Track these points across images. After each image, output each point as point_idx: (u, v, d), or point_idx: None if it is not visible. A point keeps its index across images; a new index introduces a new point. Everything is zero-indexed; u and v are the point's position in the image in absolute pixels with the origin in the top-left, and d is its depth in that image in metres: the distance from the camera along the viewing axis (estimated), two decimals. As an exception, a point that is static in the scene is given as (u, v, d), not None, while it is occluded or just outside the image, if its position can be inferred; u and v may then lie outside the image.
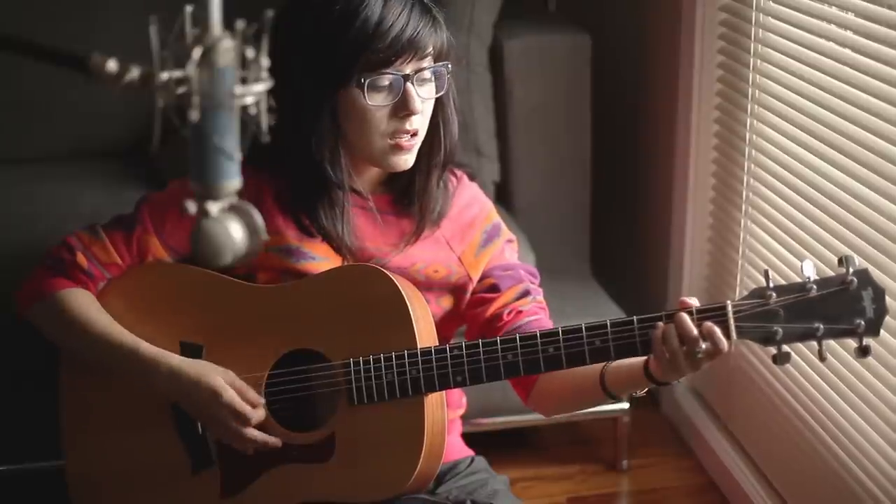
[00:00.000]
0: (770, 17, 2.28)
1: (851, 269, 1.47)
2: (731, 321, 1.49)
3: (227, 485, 1.71)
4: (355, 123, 1.65)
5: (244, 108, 0.93)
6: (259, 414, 1.64)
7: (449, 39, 1.68)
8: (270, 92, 0.94)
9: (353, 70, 1.62)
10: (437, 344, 1.67)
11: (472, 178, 1.86)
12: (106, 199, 2.26)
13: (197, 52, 0.90)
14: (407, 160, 1.68)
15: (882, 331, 1.48)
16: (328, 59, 1.63)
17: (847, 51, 2.03)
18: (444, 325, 1.77)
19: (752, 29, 2.33)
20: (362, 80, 1.62)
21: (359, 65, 1.61)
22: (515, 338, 1.60)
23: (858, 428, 2.06)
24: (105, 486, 1.77)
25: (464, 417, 1.92)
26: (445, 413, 1.67)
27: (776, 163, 2.30)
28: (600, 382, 1.64)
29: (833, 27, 2.09)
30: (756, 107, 2.36)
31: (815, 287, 1.47)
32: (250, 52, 0.92)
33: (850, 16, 2.02)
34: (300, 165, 1.68)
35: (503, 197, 2.71)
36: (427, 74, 1.65)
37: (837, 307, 1.47)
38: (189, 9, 0.91)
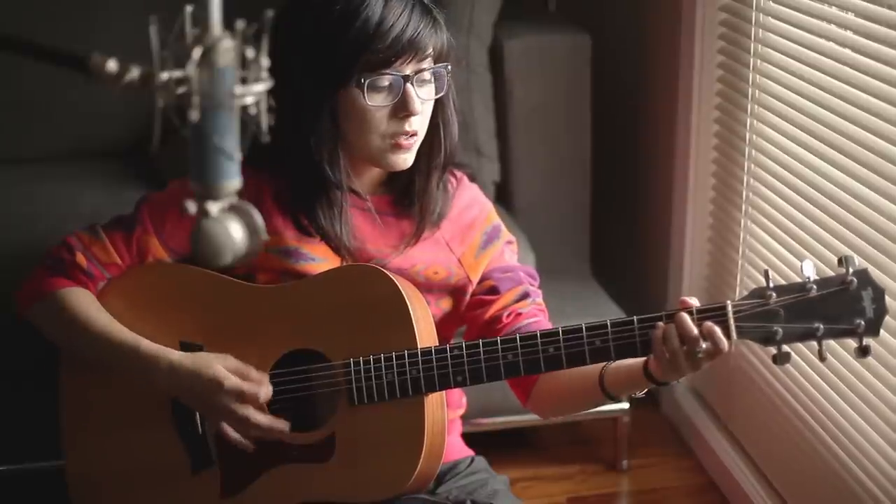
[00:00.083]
0: (770, 17, 2.28)
1: (851, 269, 1.47)
2: (732, 321, 1.49)
3: (227, 485, 1.71)
4: (355, 124, 1.65)
5: (244, 108, 0.93)
6: (266, 390, 1.62)
7: (449, 40, 1.68)
8: (270, 92, 0.94)
9: (353, 70, 1.62)
10: (438, 344, 1.67)
11: (472, 179, 1.86)
12: (106, 199, 2.26)
13: (197, 52, 0.90)
14: (406, 160, 1.68)
15: (882, 331, 1.49)
16: (328, 59, 1.63)
17: (847, 51, 2.03)
18: (444, 327, 1.77)
19: (752, 29, 2.33)
20: (362, 81, 1.62)
21: (359, 65, 1.61)
22: (516, 338, 1.60)
23: (858, 428, 2.06)
24: (105, 485, 1.77)
25: (464, 417, 1.92)
26: (445, 413, 1.67)
27: (776, 163, 2.30)
28: (600, 383, 1.63)
29: (833, 27, 2.09)
30: (756, 107, 2.36)
31: (815, 287, 1.47)
32: (250, 52, 0.92)
33: (850, 16, 2.02)
34: (299, 165, 1.68)
35: (503, 197, 2.71)
36: (427, 75, 1.65)
37: (837, 307, 1.47)
38: (189, 9, 0.91)
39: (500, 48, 2.65)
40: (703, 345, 1.48)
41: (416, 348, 1.63)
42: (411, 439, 1.63)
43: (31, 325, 1.75)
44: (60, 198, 2.37)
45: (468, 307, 1.78)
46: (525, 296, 1.76)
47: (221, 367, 1.62)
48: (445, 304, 1.78)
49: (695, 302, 1.52)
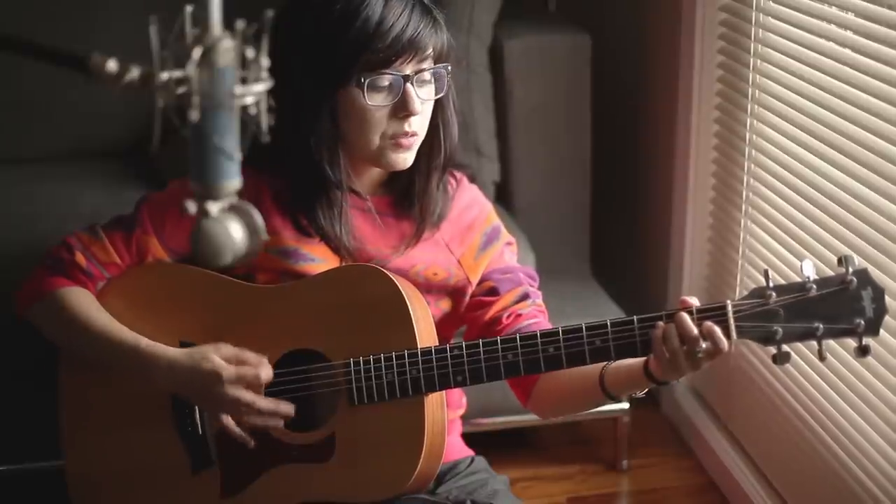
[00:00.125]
0: (770, 17, 2.28)
1: (851, 269, 1.47)
2: (731, 321, 1.49)
3: (226, 485, 1.71)
4: (355, 123, 1.65)
5: (244, 108, 0.93)
6: (266, 371, 1.61)
7: (449, 41, 1.68)
8: (270, 92, 0.94)
9: (353, 70, 1.62)
10: (437, 344, 1.67)
11: (472, 179, 1.86)
12: (106, 199, 2.26)
13: (197, 52, 0.90)
14: (406, 159, 1.68)
15: (882, 330, 1.49)
16: (328, 59, 1.63)
17: (847, 51, 2.03)
18: (444, 328, 1.77)
19: (752, 29, 2.34)
20: (362, 80, 1.62)
21: (359, 64, 1.61)
22: (516, 338, 1.60)
23: (858, 428, 2.06)
24: (105, 485, 1.77)
25: (464, 417, 1.92)
26: (445, 413, 1.67)
27: (776, 163, 2.30)
28: (600, 383, 1.64)
29: (833, 27, 2.09)
30: (756, 107, 2.36)
31: (814, 287, 1.47)
32: (250, 52, 0.92)
33: (850, 16, 2.02)
34: (299, 165, 1.68)
35: (503, 197, 2.71)
36: (427, 76, 1.65)
37: (837, 307, 1.47)
38: (189, 9, 0.91)
39: (500, 48, 2.65)
40: (703, 344, 1.49)
41: (416, 348, 1.63)
42: (411, 439, 1.63)
43: (31, 325, 1.75)
44: (60, 198, 2.37)
45: (468, 308, 1.78)
46: (525, 297, 1.76)
47: (218, 357, 1.61)
48: (445, 305, 1.78)
49: (695, 302, 1.52)
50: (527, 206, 2.72)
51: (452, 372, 1.62)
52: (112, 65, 0.92)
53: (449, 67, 1.68)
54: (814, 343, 1.49)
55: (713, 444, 2.59)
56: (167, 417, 1.72)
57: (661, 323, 1.52)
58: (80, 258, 1.72)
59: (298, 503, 1.69)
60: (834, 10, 2.08)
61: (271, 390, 1.67)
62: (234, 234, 0.94)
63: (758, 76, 2.34)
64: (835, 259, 1.51)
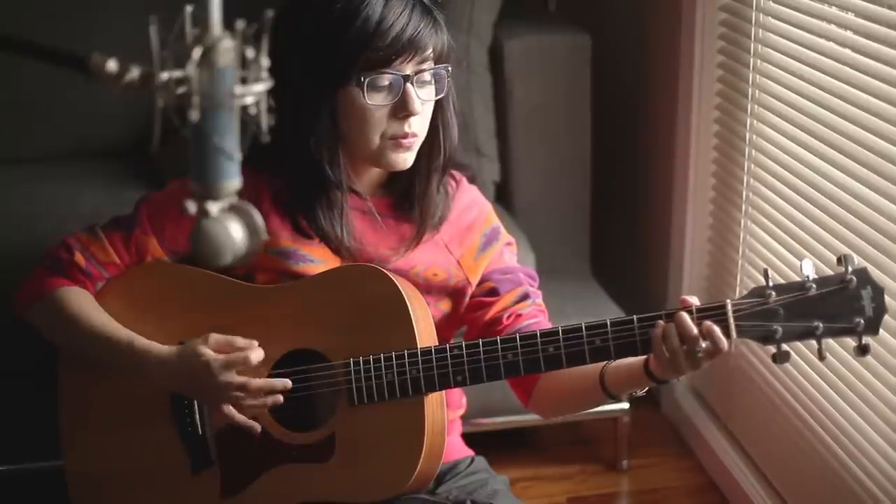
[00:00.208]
0: (770, 17, 2.28)
1: (850, 268, 1.47)
2: (731, 320, 1.49)
3: (226, 485, 1.71)
4: (355, 123, 1.65)
5: (244, 108, 0.93)
6: (256, 353, 1.61)
7: (450, 42, 1.68)
8: (270, 92, 0.94)
9: (352, 69, 1.62)
10: (437, 344, 1.67)
11: (471, 180, 1.86)
12: (106, 199, 2.26)
13: (197, 52, 0.90)
14: (406, 159, 1.68)
15: (881, 330, 1.49)
16: (328, 59, 1.63)
17: (847, 51, 2.03)
18: (444, 328, 1.77)
19: (752, 29, 2.34)
20: (362, 80, 1.62)
21: (359, 64, 1.62)
22: (515, 337, 1.60)
23: (858, 427, 2.06)
24: (104, 485, 1.77)
25: (464, 417, 1.92)
26: (445, 413, 1.67)
27: (776, 163, 2.30)
28: (600, 382, 1.64)
29: (833, 27, 2.09)
30: (756, 107, 2.36)
31: (814, 286, 1.47)
32: (250, 52, 0.92)
33: (850, 16, 2.02)
34: (299, 165, 1.68)
35: (503, 197, 2.71)
36: (427, 76, 1.65)
37: (837, 306, 1.47)
38: (189, 9, 0.91)
39: (500, 48, 2.65)
40: (703, 344, 1.49)
41: (416, 348, 1.63)
42: (411, 439, 1.63)
43: (31, 325, 1.75)
44: (60, 198, 2.37)
45: (468, 309, 1.78)
46: (525, 297, 1.76)
47: (206, 349, 1.61)
48: (445, 306, 1.78)
49: (695, 301, 1.52)
50: (527, 206, 2.72)
51: (452, 372, 1.62)
52: (112, 65, 0.92)
53: (449, 68, 1.68)
54: (813, 342, 1.49)
55: (713, 444, 2.59)
56: (167, 417, 1.72)
57: (660, 322, 1.52)
58: (79, 258, 1.72)
59: (298, 503, 1.69)
60: (834, 10, 2.08)
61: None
62: (234, 234, 0.94)
63: (758, 76, 2.34)
64: (835, 259, 1.51)
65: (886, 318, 1.49)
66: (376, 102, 1.63)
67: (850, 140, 2.02)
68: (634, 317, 1.55)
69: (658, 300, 2.79)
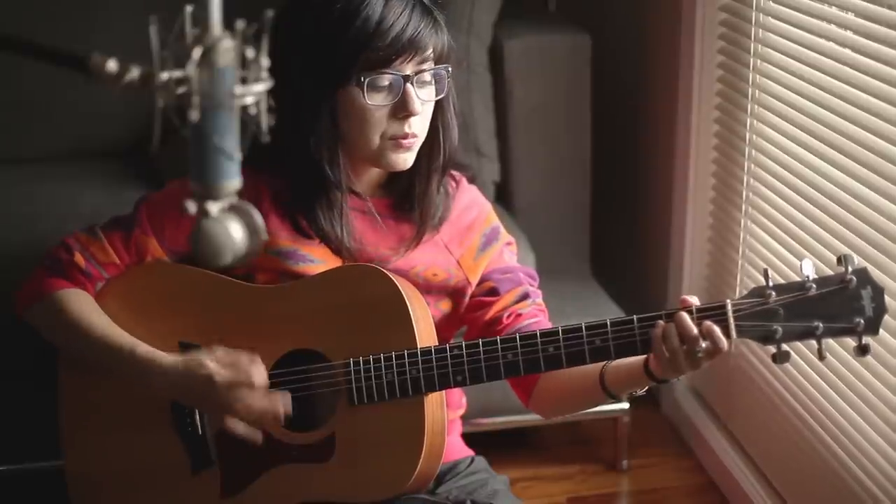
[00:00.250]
0: (770, 17, 2.28)
1: (850, 268, 1.47)
2: (731, 320, 1.49)
3: (226, 485, 1.71)
4: (355, 123, 1.65)
5: (244, 108, 0.93)
6: (259, 373, 1.60)
7: (450, 42, 1.68)
8: (270, 92, 0.94)
9: (352, 69, 1.62)
10: (437, 344, 1.67)
11: (471, 180, 1.86)
12: (106, 199, 2.26)
13: (197, 52, 0.90)
14: (406, 159, 1.68)
15: (881, 330, 1.49)
16: (328, 59, 1.63)
17: (847, 51, 2.03)
18: (444, 328, 1.77)
19: (752, 29, 2.34)
20: (362, 80, 1.62)
21: (358, 64, 1.61)
22: (515, 337, 1.60)
23: (858, 427, 2.06)
24: (104, 485, 1.77)
25: (464, 417, 1.92)
26: (445, 413, 1.67)
27: (776, 163, 2.30)
28: (600, 382, 1.64)
29: (833, 27, 2.09)
30: (756, 107, 2.36)
31: (814, 286, 1.47)
32: (250, 52, 0.92)
33: (850, 16, 2.02)
34: (299, 165, 1.68)
35: (503, 197, 2.71)
36: (427, 77, 1.65)
37: (837, 306, 1.47)
38: (189, 9, 0.91)
39: (500, 48, 2.65)
40: (703, 344, 1.49)
41: (416, 348, 1.63)
42: (411, 439, 1.63)
43: (31, 325, 1.75)
44: (60, 198, 2.37)
45: (468, 308, 1.78)
46: (525, 296, 1.76)
47: (211, 363, 1.61)
48: (445, 306, 1.78)
49: (695, 301, 1.52)
50: (527, 206, 2.72)
51: (452, 372, 1.62)
52: (112, 65, 0.92)
53: (449, 69, 1.68)
54: (813, 342, 1.49)
55: (713, 444, 2.59)
56: (167, 418, 1.72)
57: (660, 322, 1.52)
58: (78, 258, 1.72)
59: (298, 503, 1.69)
60: (834, 10, 2.08)
61: (272, 390, 1.67)
62: (234, 234, 0.94)
63: (758, 76, 2.34)
64: (834, 259, 1.51)
65: (886, 318, 1.49)
66: (376, 103, 1.63)
67: (850, 140, 2.02)
68: (634, 317, 1.55)
69: (658, 300, 2.79)
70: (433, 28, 1.64)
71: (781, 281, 1.51)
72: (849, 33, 2.03)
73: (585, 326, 1.57)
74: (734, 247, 2.49)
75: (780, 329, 1.48)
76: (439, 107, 1.70)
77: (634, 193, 2.98)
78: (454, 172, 1.81)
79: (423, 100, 1.65)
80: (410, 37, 1.62)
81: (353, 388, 1.64)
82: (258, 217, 0.95)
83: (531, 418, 2.43)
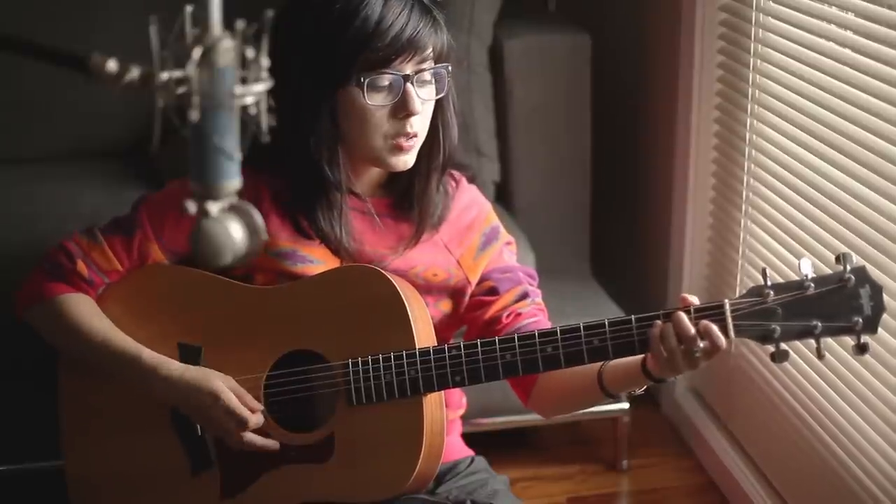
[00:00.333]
0: (770, 17, 2.28)
1: (849, 267, 1.47)
2: (729, 320, 1.49)
3: (226, 486, 1.71)
4: (355, 123, 1.65)
5: (244, 108, 0.93)
6: (257, 419, 1.64)
7: (449, 41, 1.68)
8: (270, 92, 0.94)
9: (352, 69, 1.62)
10: (436, 344, 1.67)
11: (471, 180, 1.86)
12: (106, 199, 2.26)
13: (197, 52, 0.90)
14: (406, 161, 1.68)
15: (880, 329, 1.49)
16: (328, 59, 1.63)
17: (847, 51, 2.03)
18: (444, 328, 1.77)
19: (752, 29, 2.34)
20: (362, 80, 1.62)
21: (358, 64, 1.61)
22: (514, 338, 1.60)
23: (857, 427, 2.06)
24: (104, 488, 1.77)
25: (464, 417, 1.92)
26: (444, 413, 1.67)
27: (776, 163, 2.30)
28: (598, 381, 1.64)
29: (833, 27, 2.09)
30: (756, 107, 2.36)
31: (812, 285, 1.47)
32: (250, 52, 0.92)
33: (850, 16, 2.02)
34: (299, 165, 1.68)
35: (503, 197, 2.71)
36: (427, 76, 1.65)
37: (835, 305, 1.47)
38: (189, 9, 0.91)
39: (500, 48, 2.65)
40: (701, 344, 1.49)
41: (415, 349, 1.63)
42: (410, 439, 1.63)
43: (30, 325, 1.75)
44: (60, 198, 2.37)
45: (468, 308, 1.78)
46: (524, 296, 1.76)
47: (221, 382, 1.63)
48: (445, 306, 1.78)
49: (694, 300, 1.52)
50: (527, 206, 2.72)
51: (451, 372, 1.62)
52: (112, 65, 0.92)
53: (449, 68, 1.68)
54: (812, 341, 1.49)
55: (713, 444, 2.59)
56: (166, 419, 1.72)
57: (658, 322, 1.52)
58: (81, 267, 1.71)
59: (298, 503, 1.69)
60: (834, 10, 2.08)
61: (271, 391, 1.68)
62: (234, 234, 0.94)
63: (758, 76, 2.34)
64: (834, 259, 1.51)
65: (885, 316, 1.49)
66: (376, 103, 1.63)
67: (850, 140, 2.02)
68: (632, 317, 1.55)
69: (658, 300, 2.79)
70: (432, 27, 1.64)
71: (780, 280, 1.51)
72: (849, 33, 2.03)
73: (584, 326, 1.57)
74: (734, 247, 2.49)
75: (778, 328, 1.48)
76: (439, 106, 1.70)
77: (634, 193, 2.98)
78: (454, 172, 1.81)
79: (423, 99, 1.65)
80: (410, 36, 1.62)
81: (351, 388, 1.64)
82: (258, 217, 0.95)
83: (531, 418, 2.43)
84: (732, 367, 2.51)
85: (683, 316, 1.50)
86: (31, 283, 1.73)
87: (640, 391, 1.65)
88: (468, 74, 2.57)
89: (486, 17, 2.60)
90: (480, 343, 1.61)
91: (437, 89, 1.67)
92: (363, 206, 1.74)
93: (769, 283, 1.49)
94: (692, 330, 1.49)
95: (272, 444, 1.66)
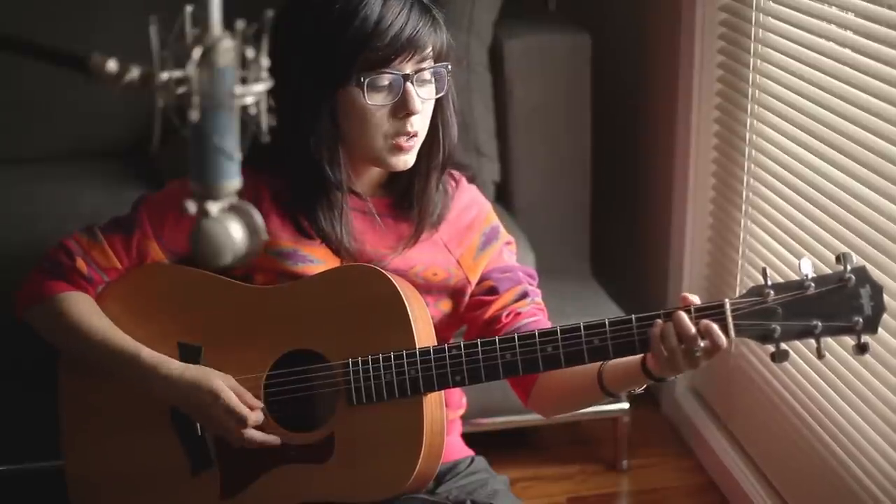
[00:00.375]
0: (770, 17, 2.28)
1: (849, 267, 1.47)
2: (730, 319, 1.49)
3: (226, 486, 1.71)
4: (355, 123, 1.65)
5: (244, 108, 0.93)
6: (257, 416, 1.64)
7: (449, 40, 1.68)
8: (270, 92, 0.94)
9: (352, 69, 1.62)
10: (436, 344, 1.67)
11: (471, 180, 1.86)
12: (106, 199, 2.26)
13: (197, 52, 0.90)
14: (406, 160, 1.68)
15: (880, 329, 1.49)
16: (327, 59, 1.63)
17: (847, 51, 2.03)
18: (443, 328, 1.77)
19: (752, 29, 2.34)
20: (361, 80, 1.62)
21: (358, 64, 1.62)
22: (514, 337, 1.60)
23: (857, 427, 2.06)
24: (104, 487, 1.77)
25: (464, 417, 1.92)
26: (444, 413, 1.67)
27: (776, 163, 2.30)
28: (598, 380, 1.64)
29: (833, 27, 2.09)
30: (756, 107, 2.36)
31: (812, 285, 1.47)
32: (250, 52, 0.92)
33: (850, 16, 2.02)
34: (299, 165, 1.68)
35: (503, 197, 2.71)
36: (427, 75, 1.65)
37: (835, 305, 1.47)
38: (189, 9, 0.91)
39: (500, 48, 2.65)
40: (701, 343, 1.49)
41: (415, 348, 1.63)
42: (410, 439, 1.63)
43: (30, 326, 1.75)
44: (60, 198, 2.37)
45: (467, 308, 1.78)
46: (524, 295, 1.76)
47: (221, 381, 1.63)
48: (445, 306, 1.78)
49: (695, 299, 1.52)
50: (527, 206, 2.72)
51: (451, 372, 1.62)
52: (112, 65, 0.92)
53: (449, 67, 1.68)
54: (812, 341, 1.49)
55: (713, 444, 2.59)
56: (166, 419, 1.72)
57: (659, 321, 1.52)
58: (80, 264, 1.71)
59: (298, 503, 1.69)
60: (834, 10, 2.08)
61: (271, 390, 1.68)
62: (234, 234, 0.94)
63: (758, 76, 2.34)
64: (834, 259, 1.51)
65: (885, 316, 1.49)
66: (376, 102, 1.63)
67: (850, 140, 2.02)
68: (633, 316, 1.55)
69: (658, 300, 2.79)
70: (432, 26, 1.65)
71: (780, 280, 1.51)
72: (849, 33, 2.03)
73: (584, 326, 1.57)
74: (734, 247, 2.49)
75: (778, 328, 1.48)
76: (438, 104, 1.70)
77: (634, 193, 2.98)
78: (454, 172, 1.81)
79: (423, 98, 1.65)
80: (409, 36, 1.62)
81: (351, 388, 1.64)
82: (258, 217, 0.96)
83: (531, 418, 2.44)
84: (732, 367, 2.51)
85: (684, 315, 1.50)
86: (31, 282, 1.73)
87: (640, 390, 1.65)
88: (468, 74, 2.57)
89: (486, 16, 2.60)
90: (481, 343, 1.61)
91: (436, 88, 1.67)
92: (364, 206, 1.74)
93: (769, 282, 1.49)
94: (693, 329, 1.49)
95: (273, 439, 1.66)
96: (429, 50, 1.65)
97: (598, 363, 1.62)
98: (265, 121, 0.94)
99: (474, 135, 2.60)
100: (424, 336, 1.66)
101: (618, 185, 3.02)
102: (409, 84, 1.63)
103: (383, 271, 1.66)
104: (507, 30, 2.67)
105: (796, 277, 1.50)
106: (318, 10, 1.64)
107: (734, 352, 2.46)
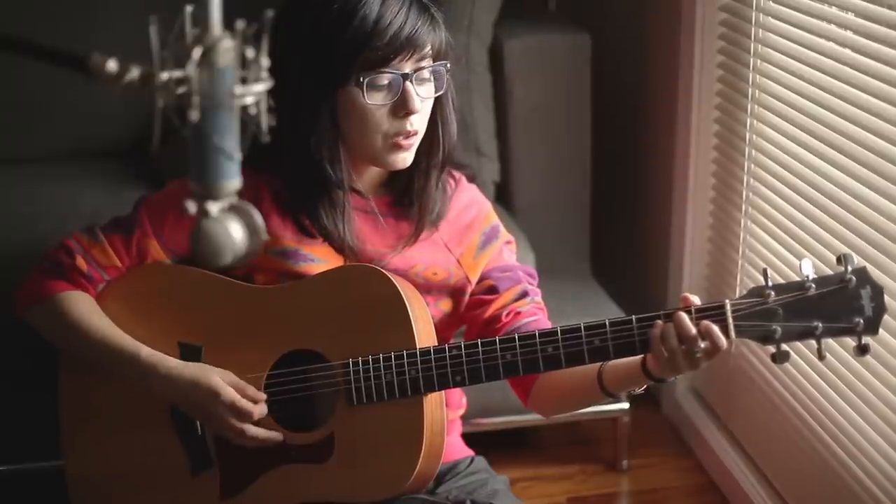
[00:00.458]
0: (770, 17, 2.28)
1: (850, 268, 1.47)
2: (730, 320, 1.49)
3: (226, 486, 1.71)
4: (355, 123, 1.65)
5: (244, 108, 0.93)
6: (261, 409, 1.64)
7: (448, 39, 1.68)
8: (270, 92, 0.94)
9: (351, 69, 1.62)
10: (437, 344, 1.67)
11: (471, 179, 1.86)
12: (106, 199, 2.26)
13: (197, 52, 0.90)
14: (406, 159, 1.68)
15: (881, 329, 1.49)
16: (327, 59, 1.63)
17: (847, 51, 2.03)
18: (444, 328, 1.77)
19: (752, 29, 2.34)
20: (361, 79, 1.62)
21: (357, 63, 1.62)
22: (514, 337, 1.60)
23: (858, 427, 2.06)
24: (104, 487, 1.77)
25: (464, 417, 1.92)
26: (445, 413, 1.67)
27: (776, 163, 2.30)
28: (598, 381, 1.64)
29: (833, 27, 2.09)
30: (756, 107, 2.36)
31: (813, 286, 1.47)
32: (250, 52, 0.92)
33: (850, 16, 2.02)
34: (299, 165, 1.68)
35: (503, 197, 2.71)
36: (426, 74, 1.65)
37: (836, 305, 1.47)
38: (189, 9, 0.91)
39: (500, 48, 2.65)
40: (702, 344, 1.49)
41: (415, 348, 1.63)
42: (410, 439, 1.63)
43: (31, 326, 1.75)
44: (60, 198, 2.37)
45: (467, 307, 1.78)
46: (524, 294, 1.76)
47: (220, 378, 1.63)
48: (445, 306, 1.78)
49: (696, 300, 1.52)
50: (527, 206, 2.72)
51: (451, 372, 1.62)
52: (112, 65, 0.92)
53: (448, 65, 1.68)
54: (813, 342, 1.49)
55: (713, 444, 2.59)
56: (166, 419, 1.72)
57: (659, 322, 1.52)
58: (80, 262, 1.71)
59: (298, 503, 1.69)
60: (834, 10, 2.08)
61: (271, 390, 1.68)
62: (234, 234, 0.94)
63: (758, 76, 2.34)
64: (835, 259, 1.51)
65: (886, 317, 1.49)
66: (376, 102, 1.63)
67: (850, 140, 2.02)
68: (633, 317, 1.55)
69: (658, 300, 2.79)
70: (431, 25, 1.65)
71: (781, 281, 1.51)
72: (849, 33, 2.03)
73: (584, 326, 1.57)
74: (734, 247, 2.49)
75: (779, 329, 1.48)
76: (438, 102, 1.70)
77: (634, 193, 2.98)
78: (454, 172, 1.81)
79: (422, 97, 1.65)
80: (408, 35, 1.62)
81: (352, 388, 1.64)
82: (258, 217, 0.96)
83: (531, 418, 2.44)
84: (733, 368, 2.51)
85: (684, 316, 1.50)
86: (31, 282, 1.73)
87: (640, 391, 1.65)
88: (468, 74, 2.57)
89: (486, 16, 2.60)
90: (481, 343, 1.61)
91: (436, 87, 1.67)
92: (365, 205, 1.74)
93: (770, 283, 1.49)
94: (693, 330, 1.49)
95: (275, 435, 1.65)
96: (428, 49, 1.65)
97: (599, 363, 1.62)
98: (265, 121, 0.94)
99: (474, 135, 2.60)
100: (425, 336, 1.66)
101: (618, 185, 3.02)
102: (408, 83, 1.63)
103: (384, 271, 1.66)
104: (507, 30, 2.67)
105: (797, 278, 1.50)
106: (317, 9, 1.64)
107: (734, 352, 2.46)
